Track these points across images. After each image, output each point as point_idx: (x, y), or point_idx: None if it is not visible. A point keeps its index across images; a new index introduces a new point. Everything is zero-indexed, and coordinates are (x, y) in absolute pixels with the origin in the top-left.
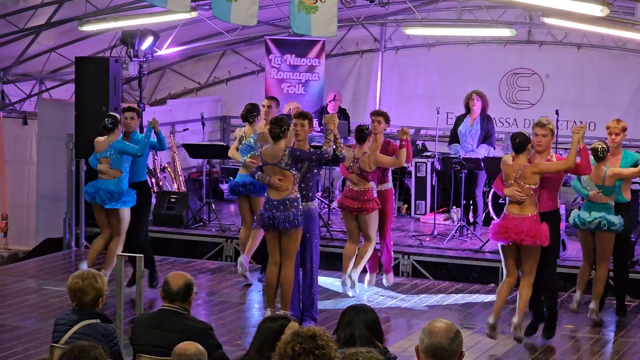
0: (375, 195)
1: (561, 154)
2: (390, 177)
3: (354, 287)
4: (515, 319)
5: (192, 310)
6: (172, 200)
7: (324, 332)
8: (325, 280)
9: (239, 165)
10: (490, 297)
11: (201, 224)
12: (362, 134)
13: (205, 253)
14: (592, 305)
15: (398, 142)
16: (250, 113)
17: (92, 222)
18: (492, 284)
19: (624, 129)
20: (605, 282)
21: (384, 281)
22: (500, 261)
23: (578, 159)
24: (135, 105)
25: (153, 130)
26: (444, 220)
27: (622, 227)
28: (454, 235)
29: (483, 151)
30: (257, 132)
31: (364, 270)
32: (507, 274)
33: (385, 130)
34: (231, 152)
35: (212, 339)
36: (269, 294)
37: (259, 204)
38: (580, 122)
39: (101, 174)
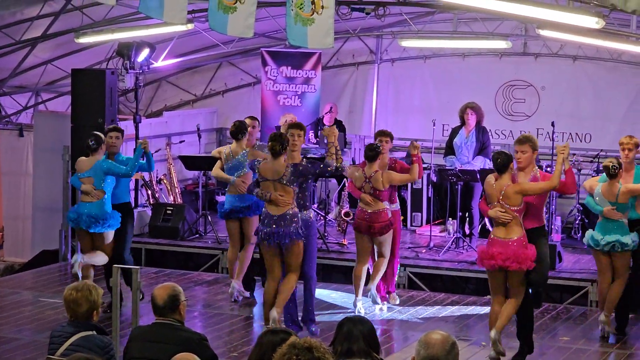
0: (390, 214)
1: (548, 170)
2: (397, 198)
3: (377, 303)
4: (492, 333)
5: (188, 322)
6: (168, 212)
7: (321, 344)
8: (320, 292)
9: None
10: (486, 309)
11: (197, 235)
12: (373, 153)
13: (201, 265)
14: (602, 317)
15: (400, 158)
16: (240, 130)
17: None
18: (488, 296)
19: (637, 145)
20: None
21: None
22: None
23: (563, 178)
24: (132, 118)
25: (143, 152)
26: (440, 232)
27: (636, 245)
28: (449, 247)
29: (479, 163)
30: (245, 149)
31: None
32: (493, 295)
33: (389, 149)
34: (216, 172)
35: (208, 349)
36: (266, 311)
37: (251, 224)
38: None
39: (84, 195)
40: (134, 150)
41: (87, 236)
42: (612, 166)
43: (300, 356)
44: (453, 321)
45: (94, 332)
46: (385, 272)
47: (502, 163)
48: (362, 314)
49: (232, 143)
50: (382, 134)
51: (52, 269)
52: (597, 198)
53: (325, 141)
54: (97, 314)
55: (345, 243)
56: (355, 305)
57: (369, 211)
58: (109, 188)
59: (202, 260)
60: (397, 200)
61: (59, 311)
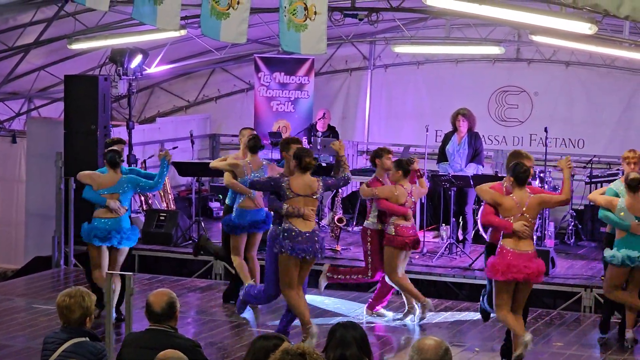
0: None
1: (541, 176)
2: None
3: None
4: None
5: (181, 329)
6: (162, 218)
7: (313, 350)
8: (314, 299)
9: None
10: (479, 315)
11: (190, 242)
12: (409, 168)
13: (194, 271)
14: (630, 334)
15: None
16: (259, 145)
17: (81, 240)
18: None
19: None
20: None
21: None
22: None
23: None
24: (125, 124)
25: (167, 163)
26: (433, 237)
27: None
28: (443, 253)
29: (471, 170)
30: (264, 164)
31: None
32: (505, 306)
33: None
34: (232, 181)
35: (201, 355)
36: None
37: (258, 238)
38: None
39: (104, 211)
40: (128, 158)
41: (104, 252)
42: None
43: None
44: (446, 327)
45: (87, 339)
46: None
47: (527, 175)
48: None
49: (247, 155)
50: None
51: (44, 276)
52: (622, 213)
53: (320, 153)
54: (90, 320)
55: (339, 249)
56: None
57: (410, 225)
58: (128, 202)
59: (196, 266)
60: None
61: (52, 318)
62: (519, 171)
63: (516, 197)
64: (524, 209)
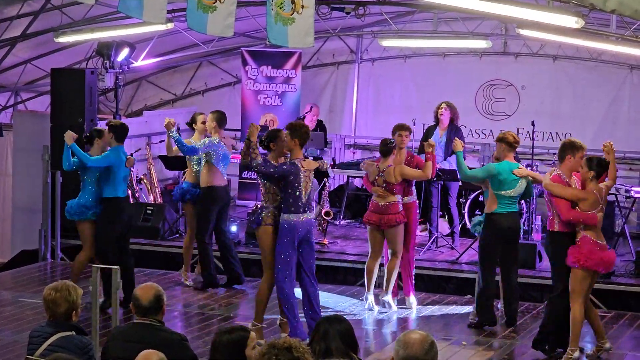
0: (401, 208)
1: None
2: (414, 190)
3: (391, 308)
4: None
5: (168, 322)
6: (149, 211)
7: (300, 343)
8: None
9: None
10: (467, 309)
11: (177, 235)
12: (387, 148)
13: (181, 265)
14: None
15: (422, 156)
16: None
17: (68, 234)
18: (469, 295)
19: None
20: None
21: (407, 303)
22: (476, 272)
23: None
24: (112, 117)
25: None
26: (420, 231)
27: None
28: (430, 247)
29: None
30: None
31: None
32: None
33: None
34: None
35: (188, 350)
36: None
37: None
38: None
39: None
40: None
41: None
42: None
43: (280, 356)
44: (434, 321)
45: (73, 333)
46: (400, 274)
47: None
48: (374, 310)
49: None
50: (401, 127)
51: (31, 269)
52: None
53: (307, 147)
54: (77, 314)
55: (326, 242)
56: (366, 299)
57: (381, 204)
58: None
59: (183, 260)
60: (414, 193)
61: (38, 311)
62: (600, 165)
63: (597, 190)
64: (602, 200)
